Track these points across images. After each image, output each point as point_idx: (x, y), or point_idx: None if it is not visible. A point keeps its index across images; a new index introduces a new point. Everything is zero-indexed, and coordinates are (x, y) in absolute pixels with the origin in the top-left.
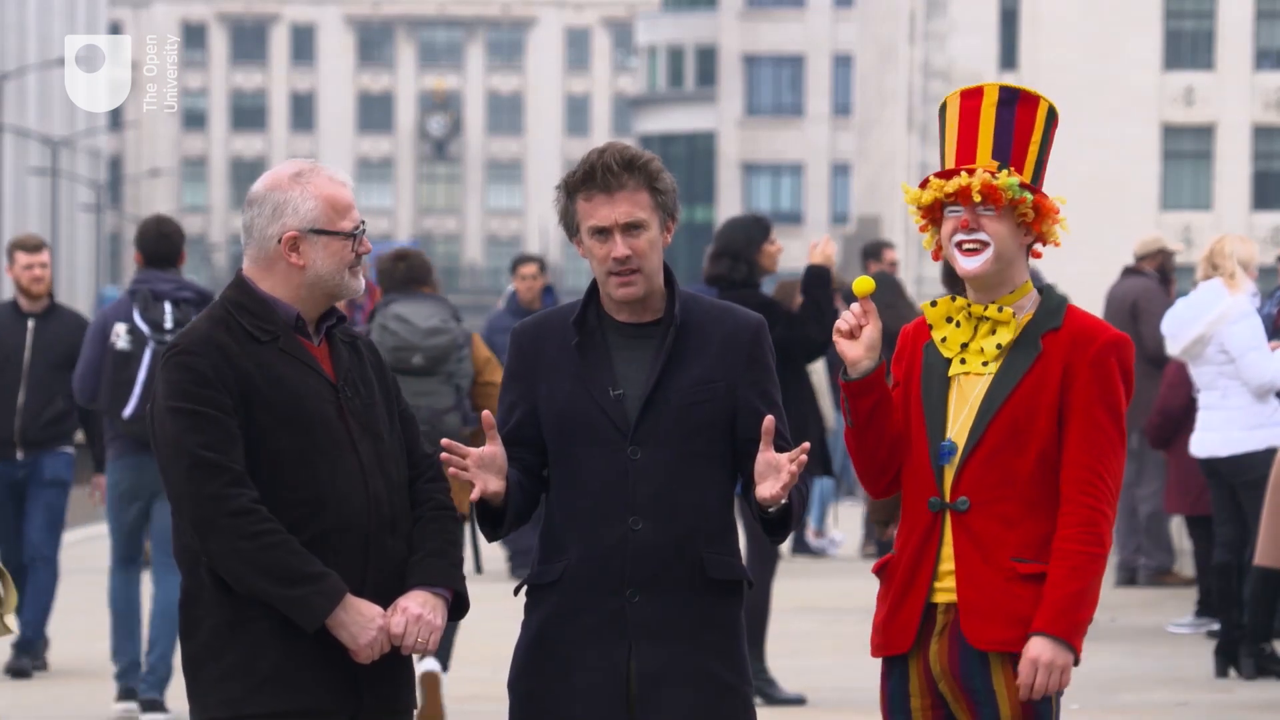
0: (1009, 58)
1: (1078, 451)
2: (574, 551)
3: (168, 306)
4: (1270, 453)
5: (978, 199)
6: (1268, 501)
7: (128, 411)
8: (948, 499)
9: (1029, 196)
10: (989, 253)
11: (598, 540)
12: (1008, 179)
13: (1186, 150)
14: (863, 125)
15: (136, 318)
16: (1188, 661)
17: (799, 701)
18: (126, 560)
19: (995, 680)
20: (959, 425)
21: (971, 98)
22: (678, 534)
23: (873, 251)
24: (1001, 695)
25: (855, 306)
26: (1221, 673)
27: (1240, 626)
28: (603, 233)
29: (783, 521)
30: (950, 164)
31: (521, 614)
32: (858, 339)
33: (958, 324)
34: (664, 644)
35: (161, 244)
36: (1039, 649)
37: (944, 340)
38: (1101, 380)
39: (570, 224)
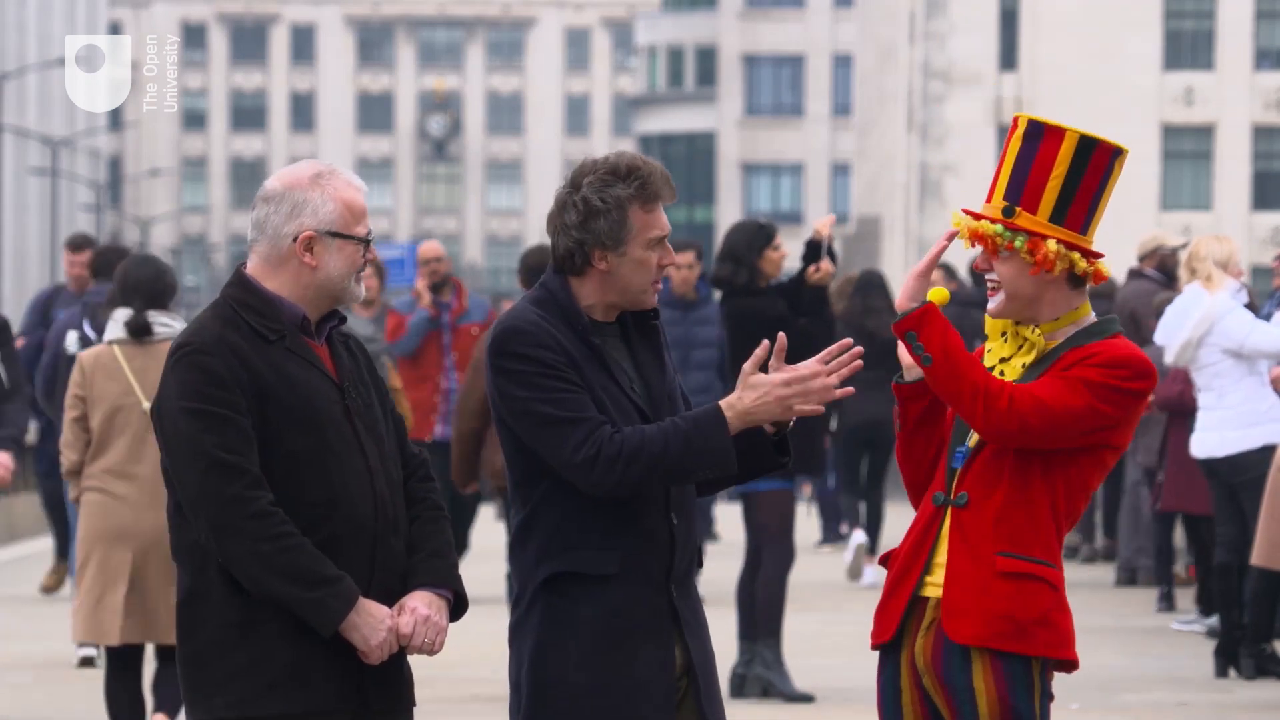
0: (1009, 58)
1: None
2: (625, 544)
3: None
4: (1266, 450)
5: (967, 245)
6: (1265, 503)
7: None
8: (952, 495)
9: (1019, 241)
10: (1000, 295)
11: (648, 534)
12: (990, 225)
13: (1186, 150)
14: (863, 125)
15: (86, 326)
16: (1188, 661)
17: (808, 699)
18: None
19: (975, 678)
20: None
21: (1013, 127)
22: (690, 528)
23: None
24: (980, 693)
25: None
26: (1221, 673)
27: (1240, 626)
28: (660, 242)
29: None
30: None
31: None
32: None
33: (1006, 339)
34: (698, 635)
35: (105, 257)
36: None
37: (989, 351)
38: (1088, 368)
39: (617, 236)
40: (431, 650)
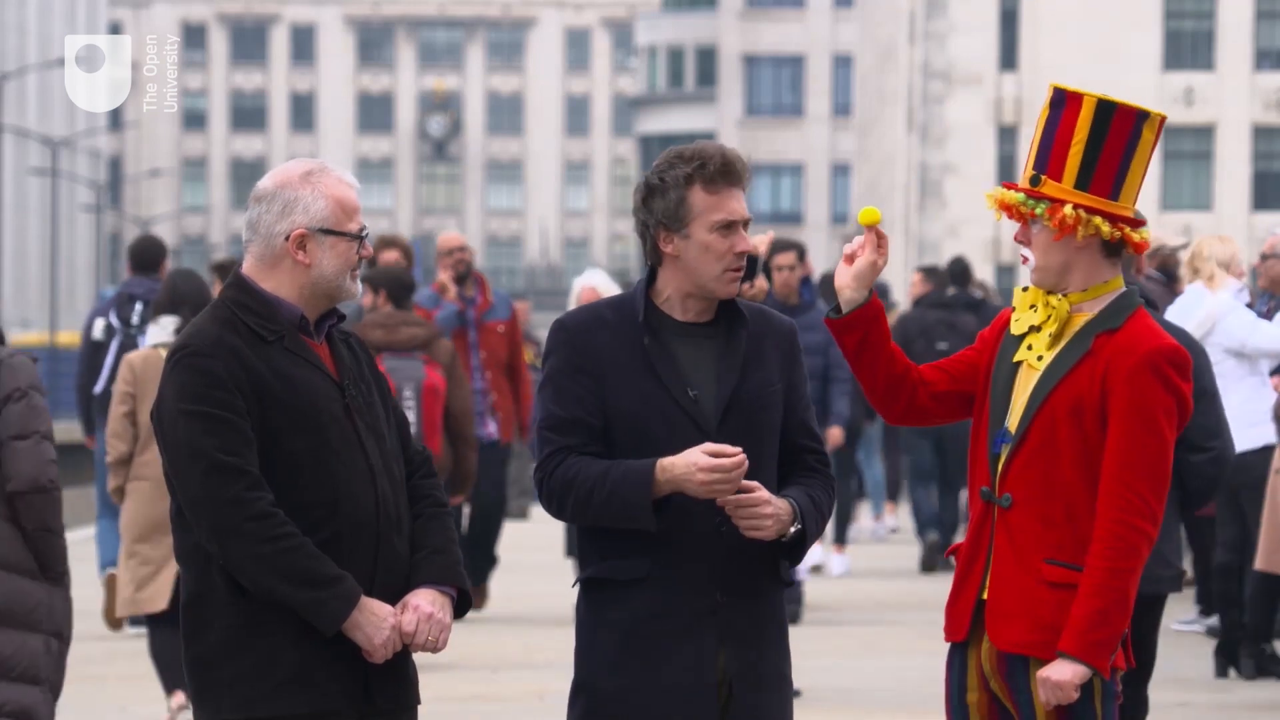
0: (1009, 58)
1: (1112, 464)
2: (658, 550)
3: (139, 306)
4: (1266, 451)
5: (999, 217)
6: (1266, 508)
7: (97, 389)
8: (996, 493)
9: (1040, 208)
10: (1029, 265)
11: (694, 538)
12: (1013, 194)
13: (1186, 150)
14: (863, 125)
15: (111, 315)
16: (1188, 661)
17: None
18: (113, 510)
19: (1033, 682)
20: (1014, 415)
21: (1046, 100)
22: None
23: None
24: (1037, 697)
25: (860, 235)
26: (1221, 673)
27: (1240, 626)
28: (729, 227)
29: (800, 542)
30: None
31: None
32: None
33: (1035, 310)
34: (751, 646)
35: (145, 251)
36: (1054, 668)
37: (1018, 320)
38: (1137, 392)
39: (677, 216)
40: (435, 648)
